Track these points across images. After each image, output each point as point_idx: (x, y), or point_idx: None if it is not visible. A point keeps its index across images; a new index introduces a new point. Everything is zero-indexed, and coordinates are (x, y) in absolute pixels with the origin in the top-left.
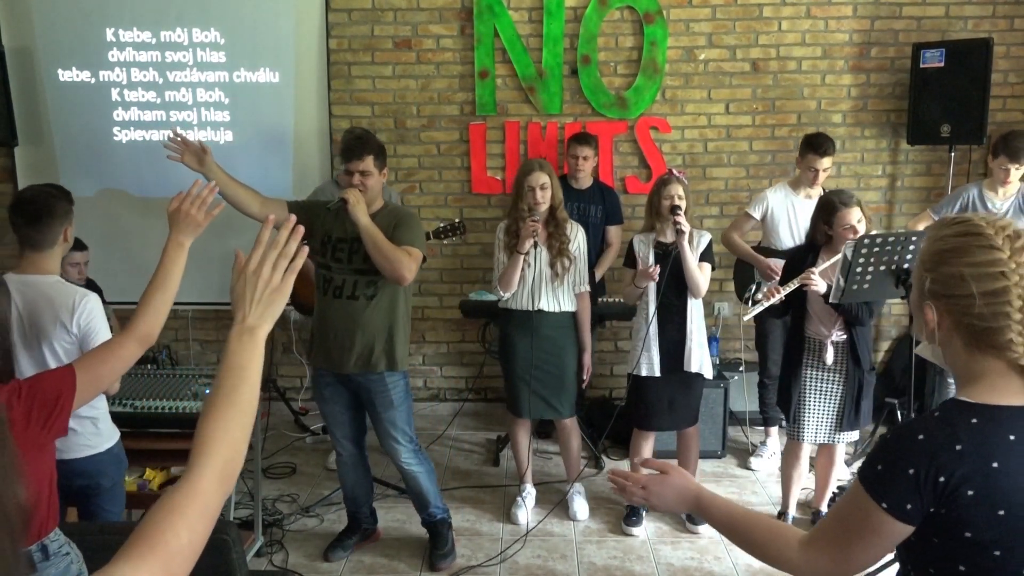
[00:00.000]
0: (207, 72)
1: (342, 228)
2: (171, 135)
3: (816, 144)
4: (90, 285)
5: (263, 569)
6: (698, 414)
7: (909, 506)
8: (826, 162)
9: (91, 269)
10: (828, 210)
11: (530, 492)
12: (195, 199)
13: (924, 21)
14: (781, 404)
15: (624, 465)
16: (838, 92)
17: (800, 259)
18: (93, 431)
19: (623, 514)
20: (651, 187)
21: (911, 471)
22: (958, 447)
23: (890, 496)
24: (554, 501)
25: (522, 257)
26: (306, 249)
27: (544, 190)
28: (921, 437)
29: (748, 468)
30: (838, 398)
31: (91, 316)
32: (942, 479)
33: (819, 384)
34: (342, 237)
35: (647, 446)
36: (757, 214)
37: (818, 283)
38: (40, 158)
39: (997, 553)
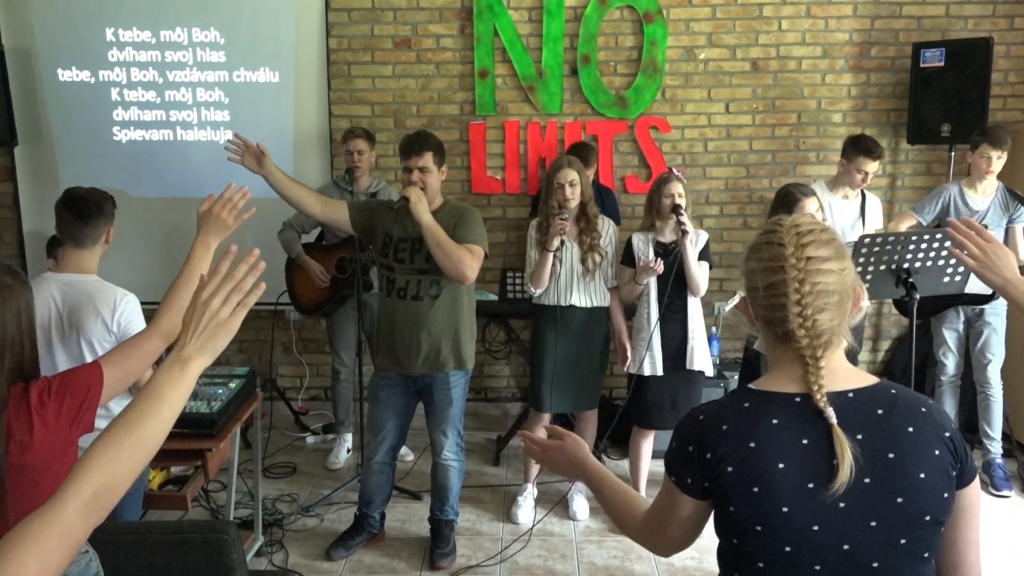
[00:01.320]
0: (207, 72)
1: (403, 227)
2: (231, 138)
3: (867, 148)
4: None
5: (263, 569)
6: None
7: (689, 480)
8: (875, 165)
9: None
10: (789, 202)
11: (531, 492)
12: (226, 203)
13: (924, 21)
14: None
15: (624, 465)
16: (838, 92)
17: None
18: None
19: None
20: (650, 186)
21: (690, 447)
22: (724, 427)
23: (676, 471)
24: (554, 501)
25: (551, 254)
26: (262, 287)
27: (573, 187)
28: (701, 417)
29: None
30: None
31: (131, 315)
32: (708, 455)
33: None
34: (403, 237)
35: (646, 444)
36: None
37: None
38: (40, 158)
39: (759, 528)
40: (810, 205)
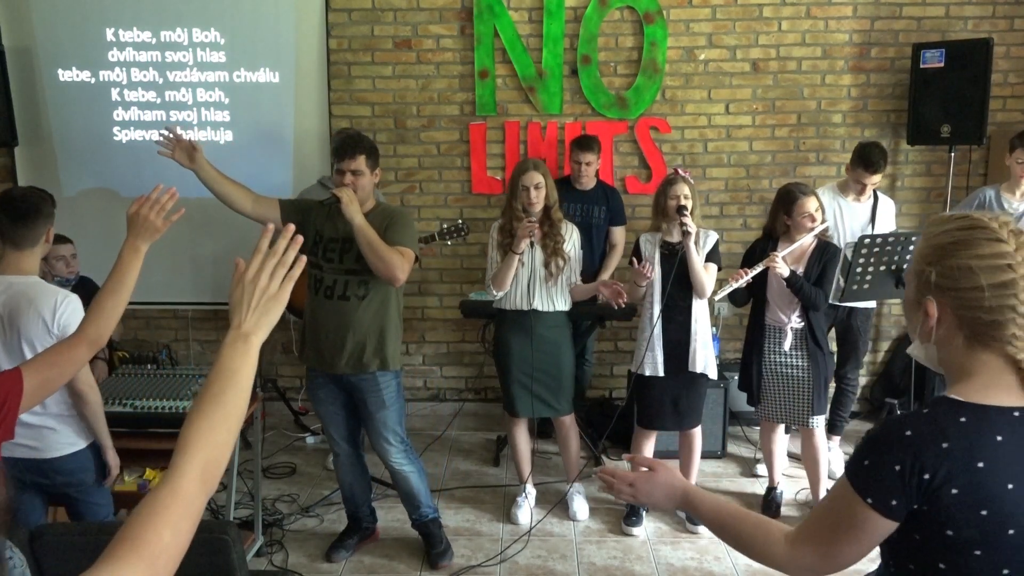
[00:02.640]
0: (207, 72)
1: (333, 227)
2: (164, 132)
3: (868, 161)
4: (85, 282)
5: (263, 569)
6: (701, 414)
7: (894, 502)
8: (876, 179)
9: (89, 268)
10: (788, 200)
11: (530, 492)
12: (154, 204)
13: (924, 21)
14: (743, 387)
15: (625, 466)
16: (838, 92)
17: (760, 249)
18: (73, 430)
19: (623, 514)
20: (657, 187)
21: (897, 467)
22: (944, 445)
23: (875, 491)
24: (554, 501)
25: (517, 257)
26: (304, 259)
27: (539, 190)
28: (908, 433)
29: (754, 475)
30: (802, 382)
31: (71, 316)
32: (927, 476)
33: (781, 369)
34: (333, 236)
35: (648, 445)
36: None
37: (781, 266)
38: (40, 158)
39: (978, 553)
40: (810, 204)
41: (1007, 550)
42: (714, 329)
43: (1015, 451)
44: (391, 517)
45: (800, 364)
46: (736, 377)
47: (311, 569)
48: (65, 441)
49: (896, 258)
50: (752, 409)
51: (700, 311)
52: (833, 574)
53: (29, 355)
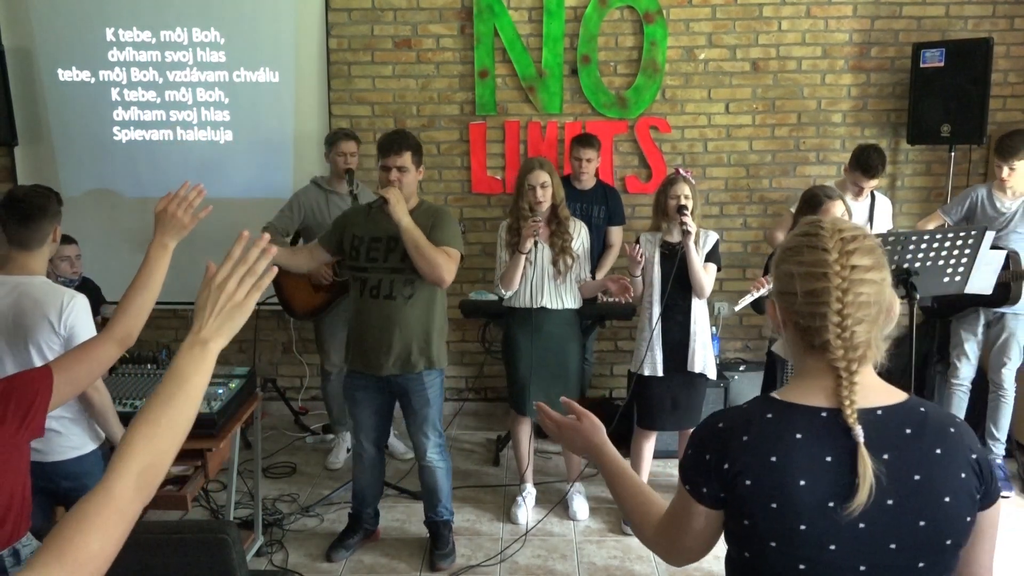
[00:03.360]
0: (207, 72)
1: (376, 227)
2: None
3: (866, 165)
4: (87, 283)
5: (263, 569)
6: (701, 415)
7: (704, 489)
8: (874, 183)
9: (89, 268)
10: (813, 204)
11: (530, 492)
12: (181, 200)
13: (924, 21)
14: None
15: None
16: (838, 92)
17: None
18: (79, 432)
19: (623, 514)
20: (657, 187)
21: (707, 456)
22: (745, 438)
23: (691, 479)
24: (554, 501)
25: (523, 256)
26: (275, 270)
27: (545, 188)
28: (720, 425)
29: None
30: None
31: (78, 317)
32: (726, 466)
33: None
34: (376, 236)
35: (648, 445)
36: None
37: None
38: (40, 158)
39: (773, 544)
40: (836, 208)
41: (801, 545)
42: (714, 329)
43: (813, 450)
44: (391, 517)
45: None
46: (735, 377)
47: (311, 569)
48: (69, 444)
49: (896, 257)
50: None
51: (699, 311)
52: (685, 563)
53: (35, 356)
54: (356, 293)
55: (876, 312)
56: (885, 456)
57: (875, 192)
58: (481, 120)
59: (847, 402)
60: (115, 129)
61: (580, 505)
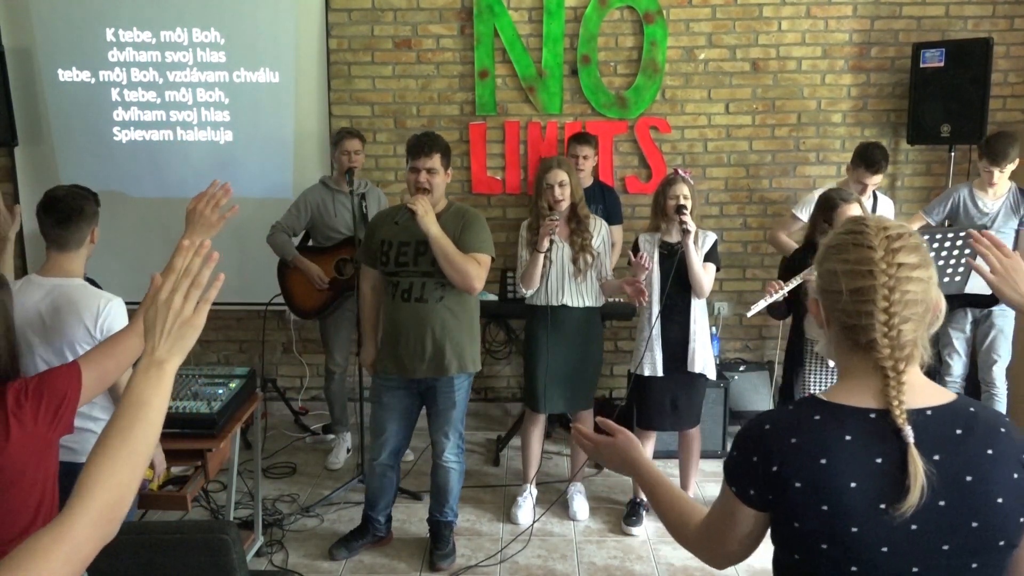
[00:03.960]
0: (207, 72)
1: (404, 231)
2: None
3: (870, 161)
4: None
5: (263, 569)
6: (700, 415)
7: (752, 491)
8: (878, 179)
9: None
10: (829, 207)
11: (531, 492)
12: (210, 200)
13: (924, 21)
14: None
15: None
16: (838, 92)
17: (800, 258)
18: None
19: (623, 514)
20: (656, 186)
21: (754, 458)
22: (793, 440)
23: (738, 481)
24: (554, 501)
25: (542, 255)
26: (221, 277)
27: (563, 187)
28: (767, 427)
29: None
30: None
31: (115, 320)
32: (775, 468)
33: (827, 385)
34: (405, 240)
35: (648, 445)
36: (804, 216)
37: None
38: (40, 158)
39: (824, 547)
40: (851, 211)
41: (853, 547)
42: (713, 329)
43: (862, 451)
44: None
45: None
46: (735, 377)
47: (311, 569)
48: None
49: None
50: (754, 409)
51: (699, 311)
52: (727, 565)
53: (71, 357)
54: (388, 297)
55: (923, 311)
56: (936, 457)
57: (877, 192)
58: (481, 120)
59: (896, 402)
60: (115, 129)
61: (580, 505)
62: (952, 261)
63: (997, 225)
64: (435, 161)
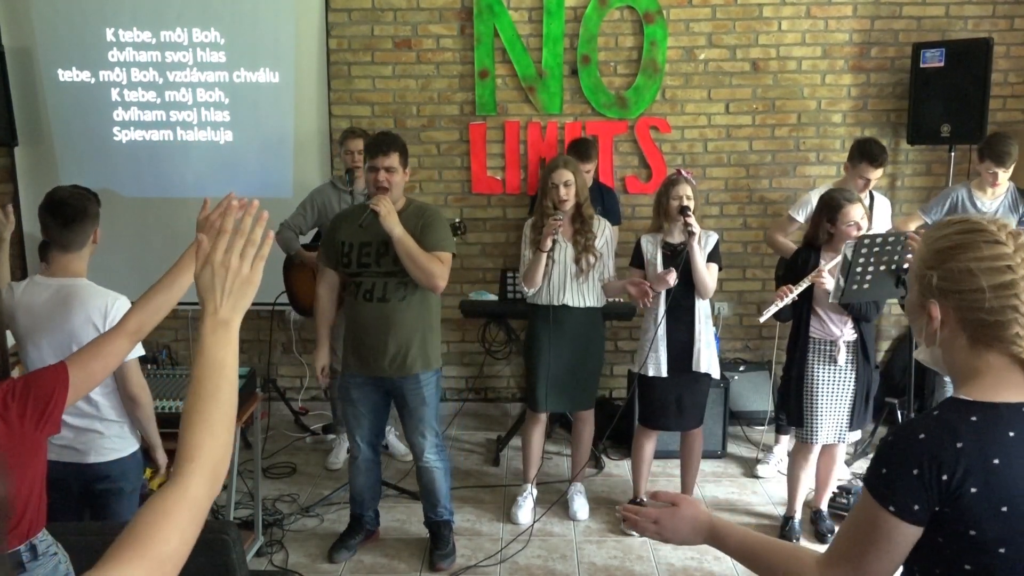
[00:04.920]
0: (207, 72)
1: (365, 232)
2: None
3: (871, 155)
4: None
5: (263, 569)
6: (704, 415)
7: (916, 507)
8: (878, 173)
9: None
10: (832, 207)
11: (531, 492)
12: (225, 211)
13: (924, 21)
14: (785, 407)
15: (625, 466)
16: (838, 92)
17: (802, 259)
18: (121, 434)
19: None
20: (659, 187)
21: (915, 471)
22: (959, 444)
23: (896, 498)
24: (554, 501)
25: (545, 255)
26: (272, 234)
27: (568, 187)
28: (922, 436)
29: (755, 476)
30: (849, 397)
31: None
32: (945, 477)
33: (831, 386)
34: (367, 241)
35: (650, 445)
36: (801, 217)
37: (828, 280)
38: (40, 158)
39: (1002, 551)
40: (855, 211)
41: None
42: (714, 329)
43: None
44: (391, 517)
45: (848, 378)
46: (735, 377)
47: (311, 569)
48: (111, 446)
49: (896, 257)
50: (754, 409)
51: (703, 311)
52: None
53: None
54: (351, 297)
55: None
56: None
57: (874, 192)
58: (481, 120)
59: None
60: (115, 129)
61: (580, 505)
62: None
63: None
64: (393, 160)
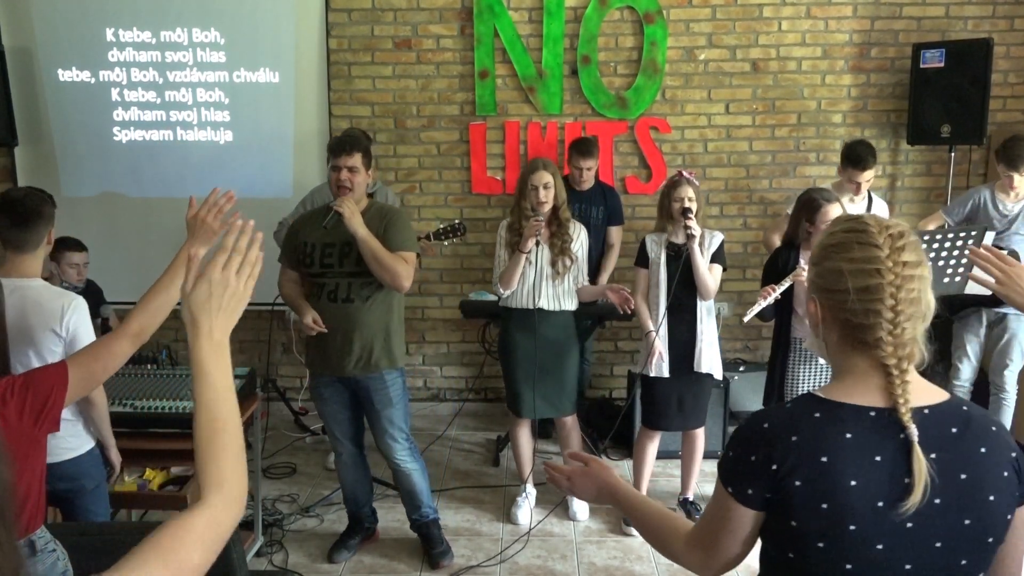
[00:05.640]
0: (207, 72)
1: (330, 234)
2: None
3: (856, 159)
4: (90, 286)
5: (263, 569)
6: (706, 415)
7: (750, 491)
8: (868, 175)
9: (90, 269)
10: (811, 207)
11: (530, 492)
12: (212, 207)
13: (924, 21)
14: (768, 404)
15: (625, 466)
16: (838, 92)
17: (782, 259)
18: (73, 433)
19: (623, 514)
20: (661, 188)
21: (752, 457)
22: (794, 438)
23: (735, 481)
24: (554, 501)
25: (524, 256)
26: (262, 256)
27: (548, 189)
28: (766, 425)
29: None
30: None
31: (80, 320)
32: (774, 467)
33: (812, 385)
34: (330, 242)
35: (652, 446)
36: None
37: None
38: (40, 158)
39: (820, 545)
40: (833, 211)
41: (849, 545)
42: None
43: (863, 449)
44: (391, 517)
45: (828, 377)
46: (735, 377)
47: (311, 569)
48: (67, 446)
49: None
50: (754, 409)
51: (705, 312)
52: (723, 571)
53: (34, 358)
54: (314, 299)
55: (924, 309)
56: (933, 455)
57: (872, 193)
58: (481, 120)
59: (901, 400)
60: (115, 129)
61: (580, 505)
62: (952, 261)
63: (1016, 227)
64: (356, 160)
